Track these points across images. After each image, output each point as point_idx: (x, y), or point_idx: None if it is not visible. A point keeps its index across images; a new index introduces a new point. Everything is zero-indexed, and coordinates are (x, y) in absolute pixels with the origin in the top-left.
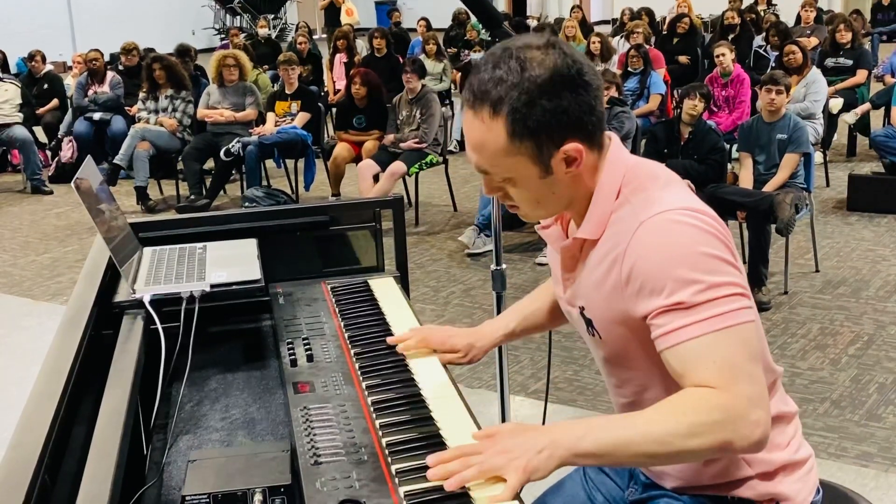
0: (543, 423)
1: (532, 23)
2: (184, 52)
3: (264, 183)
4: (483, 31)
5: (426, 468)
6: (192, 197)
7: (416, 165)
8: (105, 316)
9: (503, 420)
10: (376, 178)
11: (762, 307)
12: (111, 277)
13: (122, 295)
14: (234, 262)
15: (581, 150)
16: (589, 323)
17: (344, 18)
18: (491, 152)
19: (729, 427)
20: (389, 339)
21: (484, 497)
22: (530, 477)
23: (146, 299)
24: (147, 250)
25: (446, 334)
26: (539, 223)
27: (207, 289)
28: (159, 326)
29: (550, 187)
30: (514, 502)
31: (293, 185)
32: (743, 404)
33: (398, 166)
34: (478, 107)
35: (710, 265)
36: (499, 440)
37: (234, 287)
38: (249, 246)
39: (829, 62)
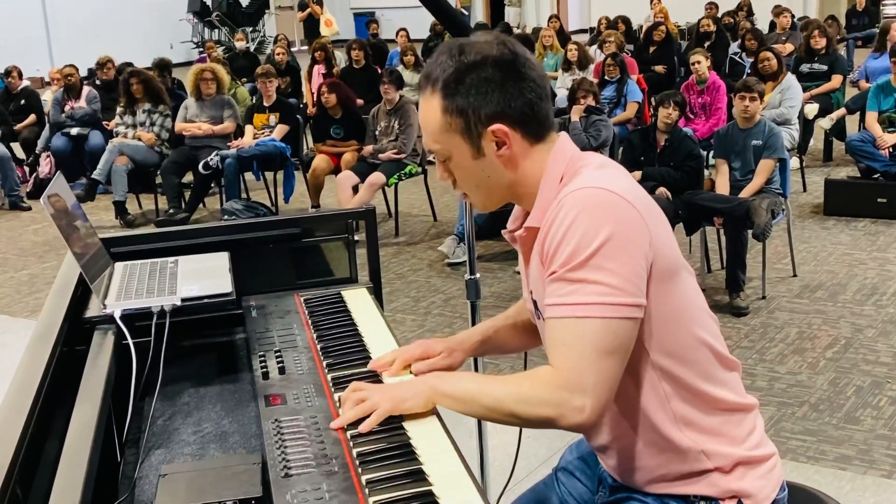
0: (520, 433)
1: (517, 30)
2: (164, 66)
3: (243, 196)
4: None
5: (396, 478)
6: (171, 211)
7: (396, 176)
8: (76, 331)
9: (479, 427)
10: (356, 189)
11: (740, 312)
12: (82, 293)
13: (92, 310)
14: (206, 276)
15: (507, 132)
16: (535, 305)
17: (323, 30)
18: (431, 128)
19: (553, 405)
20: (370, 365)
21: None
22: (399, 405)
23: (117, 314)
24: (118, 265)
25: (424, 345)
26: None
27: (178, 303)
28: (130, 341)
29: (485, 171)
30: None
31: (273, 197)
32: (572, 389)
33: (377, 177)
34: (423, 87)
35: (603, 249)
36: (383, 385)
37: (205, 301)
38: (221, 259)
39: (805, 68)
